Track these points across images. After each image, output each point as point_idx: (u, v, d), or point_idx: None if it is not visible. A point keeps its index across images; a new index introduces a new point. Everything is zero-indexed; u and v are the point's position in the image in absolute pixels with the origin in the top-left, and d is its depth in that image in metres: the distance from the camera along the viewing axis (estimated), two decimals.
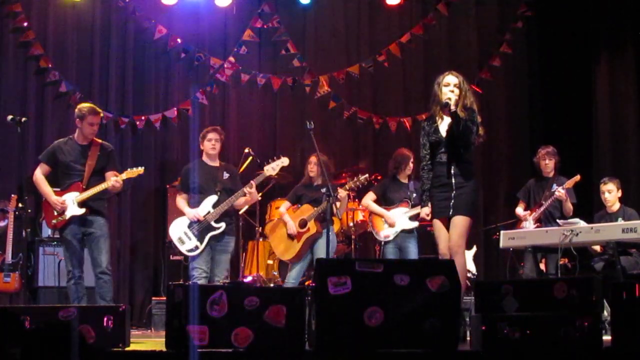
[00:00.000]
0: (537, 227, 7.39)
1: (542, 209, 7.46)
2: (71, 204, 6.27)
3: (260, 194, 7.96)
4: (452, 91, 5.41)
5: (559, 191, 7.31)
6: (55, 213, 6.30)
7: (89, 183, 6.34)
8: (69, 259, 6.33)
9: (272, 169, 6.83)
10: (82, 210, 6.27)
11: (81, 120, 6.40)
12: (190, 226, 6.66)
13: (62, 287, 7.43)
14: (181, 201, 6.81)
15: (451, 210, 5.34)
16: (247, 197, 6.73)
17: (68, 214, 6.28)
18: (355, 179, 7.33)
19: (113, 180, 6.32)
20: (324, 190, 7.01)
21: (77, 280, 6.33)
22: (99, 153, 6.41)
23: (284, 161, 6.91)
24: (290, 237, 7.22)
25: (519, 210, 7.72)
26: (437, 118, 5.49)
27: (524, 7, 9.43)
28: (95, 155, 6.39)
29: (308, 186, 7.36)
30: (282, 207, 7.40)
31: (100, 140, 6.59)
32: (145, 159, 8.51)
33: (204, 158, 6.86)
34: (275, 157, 6.95)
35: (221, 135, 6.88)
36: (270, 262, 8.20)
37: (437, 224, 5.45)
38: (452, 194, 5.35)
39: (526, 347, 4.09)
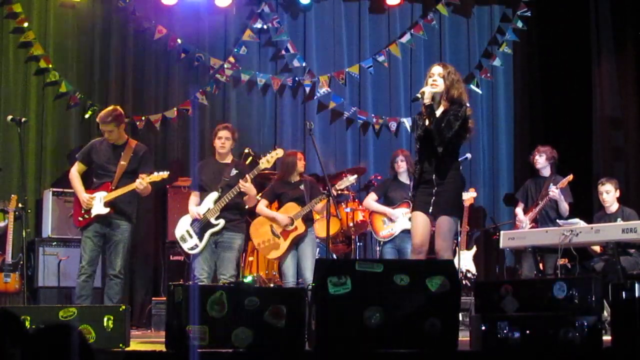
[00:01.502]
0: (533, 227, 7.41)
1: (537, 208, 7.48)
2: (98, 202, 6.32)
3: (259, 194, 7.96)
4: (435, 80, 5.20)
5: (553, 191, 7.33)
6: (82, 211, 6.36)
7: (119, 184, 6.38)
8: (84, 257, 6.37)
9: (267, 161, 6.78)
10: (107, 210, 6.31)
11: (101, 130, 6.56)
12: (192, 224, 6.70)
13: (63, 288, 7.46)
14: (191, 199, 6.81)
15: (431, 208, 5.16)
16: (246, 192, 6.67)
17: (93, 212, 6.34)
18: (345, 179, 7.24)
19: (137, 182, 6.34)
20: (302, 187, 7.02)
21: (87, 279, 6.36)
22: (131, 154, 6.45)
23: (279, 152, 6.88)
24: (275, 234, 7.10)
25: (518, 210, 7.76)
26: (425, 111, 5.28)
27: (524, 7, 9.43)
28: (128, 156, 6.44)
29: (286, 183, 7.23)
30: (261, 204, 7.20)
31: (135, 141, 6.66)
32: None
33: (215, 156, 6.89)
34: (270, 150, 6.97)
35: (233, 133, 6.86)
36: (251, 258, 8.04)
37: (416, 216, 5.25)
38: (434, 191, 5.16)
39: (526, 347, 4.09)
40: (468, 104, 5.27)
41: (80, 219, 6.41)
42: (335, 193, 7.10)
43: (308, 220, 7.08)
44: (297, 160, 7.17)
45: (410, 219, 7.19)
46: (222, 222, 6.61)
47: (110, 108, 6.65)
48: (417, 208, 5.26)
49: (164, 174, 6.61)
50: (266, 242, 7.16)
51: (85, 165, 6.57)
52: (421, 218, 5.22)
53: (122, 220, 6.41)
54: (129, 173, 6.42)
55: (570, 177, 7.46)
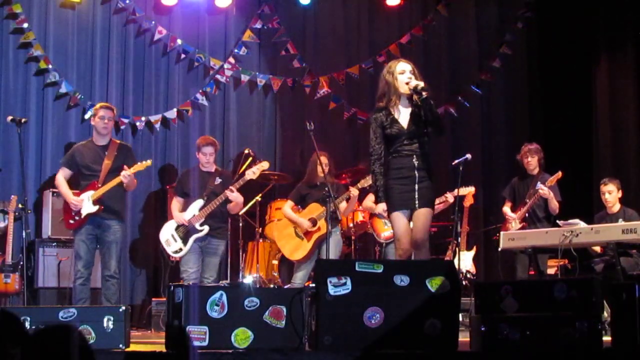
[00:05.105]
0: (523, 226, 7.36)
1: (526, 207, 7.42)
2: (87, 202, 6.38)
3: (260, 194, 7.97)
4: (410, 78, 5.18)
5: (542, 189, 7.26)
6: (73, 213, 6.40)
7: (105, 181, 6.44)
8: (79, 259, 6.40)
9: (252, 172, 7.04)
10: (96, 208, 6.38)
11: (94, 117, 6.59)
12: (177, 229, 6.94)
13: (62, 288, 7.45)
14: (174, 204, 7.08)
15: (417, 202, 5.13)
16: (231, 201, 6.91)
17: (84, 212, 6.39)
18: (368, 177, 7.20)
19: (123, 173, 6.41)
20: (327, 188, 7.02)
21: (84, 282, 6.40)
22: (116, 153, 6.53)
23: (264, 165, 7.14)
24: (299, 236, 7.23)
25: (506, 209, 7.68)
26: (393, 109, 5.26)
27: (524, 8, 9.43)
28: (112, 155, 6.53)
29: (312, 185, 7.34)
30: (286, 206, 7.39)
31: (118, 141, 6.79)
32: (145, 159, 8.49)
33: (200, 165, 7.12)
34: (257, 161, 7.24)
35: (216, 147, 7.16)
36: (275, 262, 8.12)
37: (398, 218, 5.18)
38: (415, 187, 5.15)
39: (526, 348, 4.09)
40: None
41: (72, 221, 6.48)
42: (357, 192, 7.25)
43: (333, 220, 7.07)
44: (317, 162, 7.15)
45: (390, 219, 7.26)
46: (206, 228, 6.86)
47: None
48: (396, 208, 5.18)
49: (147, 162, 6.75)
50: (291, 243, 7.29)
51: (70, 170, 6.64)
52: (403, 219, 5.17)
53: (112, 220, 6.47)
54: (114, 170, 6.51)
55: (560, 174, 7.35)
